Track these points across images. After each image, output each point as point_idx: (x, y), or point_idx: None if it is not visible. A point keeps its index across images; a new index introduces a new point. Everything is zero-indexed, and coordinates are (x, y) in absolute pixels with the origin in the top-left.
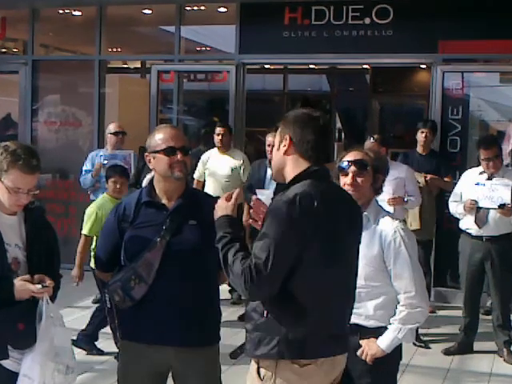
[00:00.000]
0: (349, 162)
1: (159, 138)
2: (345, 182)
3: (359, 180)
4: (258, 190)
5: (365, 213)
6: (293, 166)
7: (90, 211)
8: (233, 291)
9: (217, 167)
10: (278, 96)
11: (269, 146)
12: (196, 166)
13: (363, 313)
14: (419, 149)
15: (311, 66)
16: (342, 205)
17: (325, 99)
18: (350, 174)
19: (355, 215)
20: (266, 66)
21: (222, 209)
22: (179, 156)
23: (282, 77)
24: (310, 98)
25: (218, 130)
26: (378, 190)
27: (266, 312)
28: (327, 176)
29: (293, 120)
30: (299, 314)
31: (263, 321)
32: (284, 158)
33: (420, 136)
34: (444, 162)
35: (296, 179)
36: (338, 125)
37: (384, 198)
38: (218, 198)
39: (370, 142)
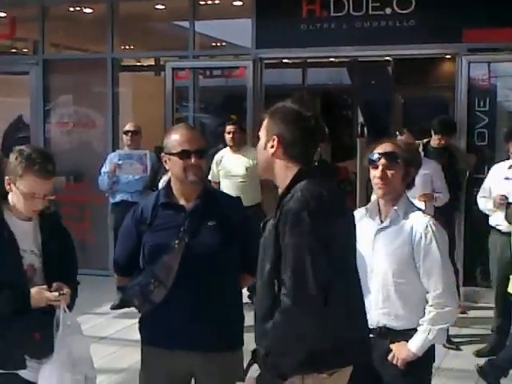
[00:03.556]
0: (379, 154)
1: (175, 139)
2: (374, 174)
3: (389, 173)
4: None
5: (395, 208)
6: (284, 169)
7: None
8: (253, 296)
9: (231, 167)
10: (298, 90)
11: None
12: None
13: (392, 312)
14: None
15: (331, 59)
16: (343, 200)
17: (346, 93)
18: (380, 167)
19: (352, 213)
20: (285, 61)
21: None
22: (193, 160)
23: (301, 71)
24: (330, 92)
25: (228, 128)
26: (410, 185)
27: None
28: (319, 174)
29: (281, 119)
30: (325, 323)
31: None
32: (272, 158)
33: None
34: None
35: (293, 183)
36: (361, 119)
37: (413, 195)
38: (239, 198)
39: (405, 134)
